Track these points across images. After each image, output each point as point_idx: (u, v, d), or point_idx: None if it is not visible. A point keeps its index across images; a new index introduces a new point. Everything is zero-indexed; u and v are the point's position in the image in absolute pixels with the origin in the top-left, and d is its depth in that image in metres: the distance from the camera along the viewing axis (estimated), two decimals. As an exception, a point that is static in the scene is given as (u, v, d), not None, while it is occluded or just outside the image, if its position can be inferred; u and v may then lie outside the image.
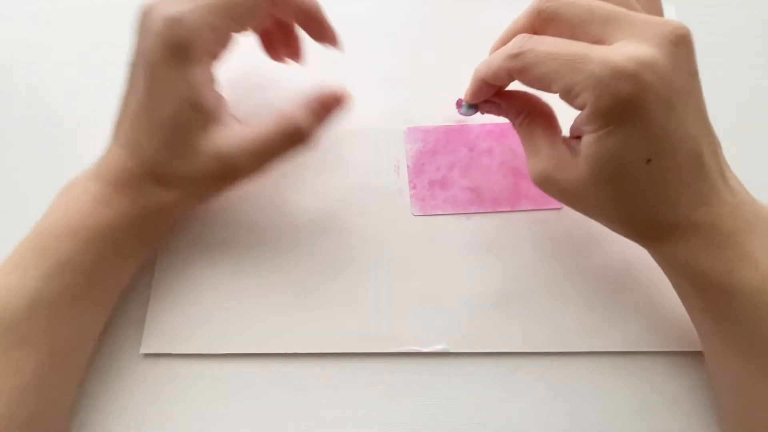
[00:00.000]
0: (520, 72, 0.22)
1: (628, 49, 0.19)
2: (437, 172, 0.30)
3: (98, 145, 0.31)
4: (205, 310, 0.27)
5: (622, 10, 0.21)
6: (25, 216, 0.29)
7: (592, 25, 0.21)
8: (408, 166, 0.31)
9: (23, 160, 0.31)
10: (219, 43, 0.24)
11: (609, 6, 0.21)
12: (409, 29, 0.36)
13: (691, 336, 0.25)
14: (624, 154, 0.20)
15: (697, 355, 0.25)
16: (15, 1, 0.36)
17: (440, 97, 0.31)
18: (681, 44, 0.20)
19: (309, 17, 0.26)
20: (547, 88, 0.21)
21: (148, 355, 0.26)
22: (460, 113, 0.26)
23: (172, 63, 0.22)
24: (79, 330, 0.24)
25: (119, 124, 0.25)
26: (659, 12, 0.23)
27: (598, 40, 0.21)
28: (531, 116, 0.24)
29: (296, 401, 0.26)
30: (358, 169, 0.31)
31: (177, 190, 0.25)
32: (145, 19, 0.23)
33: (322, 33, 0.27)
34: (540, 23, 0.22)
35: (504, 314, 0.27)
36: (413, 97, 0.30)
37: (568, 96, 0.21)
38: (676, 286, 0.24)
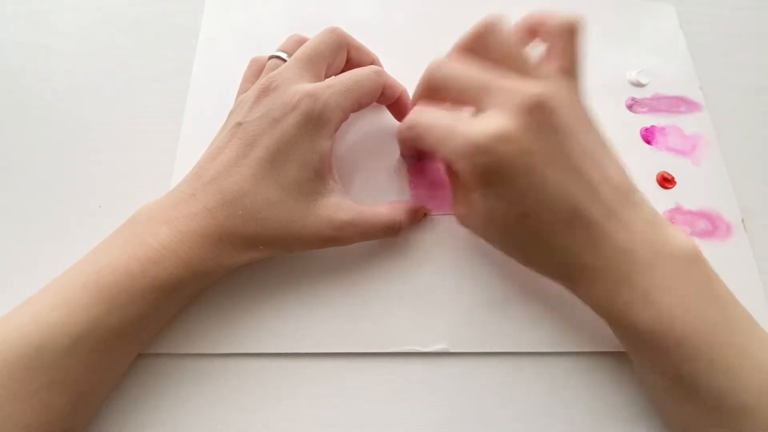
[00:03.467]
0: (416, 141, 0.25)
1: (486, 122, 0.22)
2: (437, 172, 0.30)
3: (98, 145, 0.32)
4: (205, 310, 0.27)
5: (492, 78, 0.23)
6: (25, 216, 0.29)
7: (470, 93, 0.23)
8: (408, 167, 0.31)
9: (23, 160, 0.31)
10: (342, 121, 0.26)
11: (485, 75, 0.23)
12: (410, 29, 0.36)
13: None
14: (499, 212, 0.23)
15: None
16: (15, 1, 0.36)
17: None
18: (534, 111, 0.21)
19: (401, 103, 0.30)
20: (437, 154, 0.25)
21: (148, 355, 0.26)
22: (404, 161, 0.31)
23: (306, 132, 0.25)
24: (113, 370, 0.24)
25: (209, 183, 0.24)
26: (565, 53, 0.24)
27: (476, 107, 0.23)
28: (446, 170, 0.27)
29: (296, 401, 0.26)
30: (358, 170, 0.31)
31: (271, 248, 0.25)
32: (275, 90, 0.25)
33: (403, 115, 0.30)
34: (431, 90, 0.25)
35: (504, 314, 0.27)
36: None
37: (449, 163, 0.24)
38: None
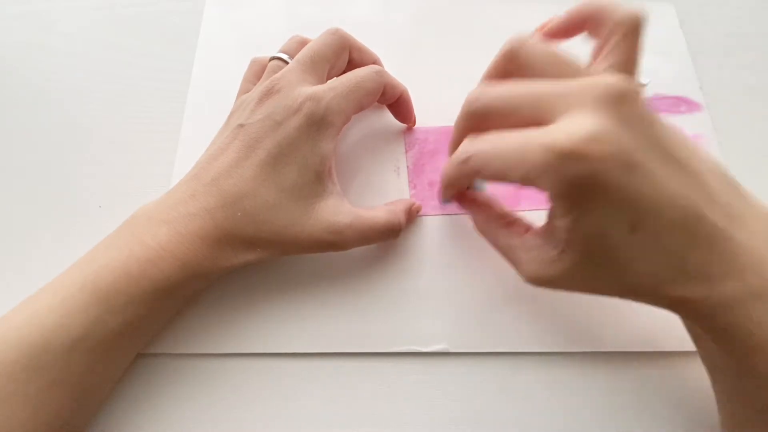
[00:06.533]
0: (475, 175, 0.21)
1: (567, 127, 0.18)
2: (437, 173, 0.30)
3: (98, 145, 0.31)
4: (205, 310, 0.27)
5: (548, 85, 0.20)
6: (25, 216, 0.29)
7: (524, 110, 0.20)
8: (408, 167, 0.31)
9: (23, 160, 0.31)
10: (344, 123, 0.26)
11: (533, 86, 0.20)
12: (409, 29, 0.36)
13: (688, 336, 0.25)
14: (603, 233, 0.19)
15: (694, 355, 0.25)
16: (15, 1, 0.36)
17: (440, 97, 0.31)
18: (621, 100, 0.18)
19: (402, 102, 0.29)
20: (506, 182, 0.20)
21: (148, 355, 0.26)
22: (440, 202, 0.30)
23: (309, 135, 0.24)
24: (112, 371, 0.24)
25: (209, 184, 0.24)
26: (623, 55, 0.22)
27: (539, 122, 0.19)
28: (490, 220, 0.25)
29: (296, 401, 0.26)
30: (358, 170, 0.31)
31: (269, 250, 0.25)
32: (278, 92, 0.25)
33: (407, 116, 0.31)
34: (476, 123, 0.22)
35: (504, 314, 0.27)
36: (413, 98, 0.30)
37: (529, 185, 0.19)
38: (717, 358, 0.21)
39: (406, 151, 0.31)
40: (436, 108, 0.31)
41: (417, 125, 0.32)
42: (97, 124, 0.32)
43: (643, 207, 0.18)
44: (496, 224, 0.25)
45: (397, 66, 0.30)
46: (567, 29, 0.25)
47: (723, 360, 0.21)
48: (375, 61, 0.30)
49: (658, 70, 0.35)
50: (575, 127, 0.18)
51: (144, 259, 0.22)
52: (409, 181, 0.30)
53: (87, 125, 0.32)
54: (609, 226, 0.18)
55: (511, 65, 0.22)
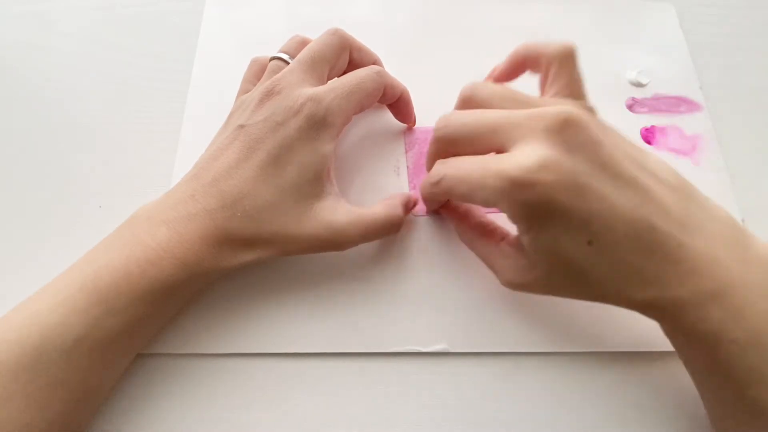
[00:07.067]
0: (447, 195, 0.24)
1: (518, 156, 0.20)
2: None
3: (98, 145, 0.31)
4: (205, 310, 0.27)
5: (505, 114, 0.21)
6: (25, 216, 0.29)
7: (485, 138, 0.22)
8: (408, 167, 0.31)
9: (23, 160, 0.31)
10: (345, 124, 0.26)
11: (494, 115, 0.22)
12: (410, 29, 0.36)
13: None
14: (562, 247, 0.20)
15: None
16: (15, 1, 0.36)
17: (440, 97, 0.31)
18: (565, 129, 0.20)
19: (402, 102, 0.30)
20: (472, 203, 0.23)
21: (148, 355, 0.26)
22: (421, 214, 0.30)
23: (309, 136, 0.25)
24: (112, 371, 0.24)
25: (209, 184, 0.24)
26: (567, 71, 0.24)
27: (498, 149, 0.21)
28: (469, 229, 0.27)
29: (296, 401, 0.26)
30: (358, 170, 0.31)
31: (268, 250, 0.24)
32: (278, 93, 0.25)
33: (407, 116, 0.31)
34: (444, 147, 0.24)
35: (504, 314, 0.27)
36: (413, 98, 0.30)
37: (490, 207, 0.22)
38: (691, 358, 0.22)
39: (406, 151, 0.31)
40: (436, 108, 0.31)
41: (417, 125, 0.32)
42: (97, 124, 0.32)
43: (595, 223, 0.20)
44: (475, 233, 0.27)
45: (398, 66, 0.30)
46: (510, 72, 0.26)
47: (693, 358, 0.22)
48: (375, 62, 0.30)
49: (658, 70, 0.35)
50: (524, 156, 0.20)
51: (144, 259, 0.22)
52: (409, 181, 0.30)
53: (87, 125, 0.32)
54: (565, 242, 0.20)
55: (469, 107, 0.23)
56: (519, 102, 0.22)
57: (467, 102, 0.24)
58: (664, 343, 0.26)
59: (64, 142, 0.32)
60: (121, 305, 0.22)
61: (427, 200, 0.28)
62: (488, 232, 0.26)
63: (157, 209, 0.24)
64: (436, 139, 0.24)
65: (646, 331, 0.26)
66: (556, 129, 0.20)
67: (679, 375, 0.26)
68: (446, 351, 0.26)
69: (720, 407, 0.22)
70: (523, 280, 0.23)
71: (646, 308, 0.22)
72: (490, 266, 0.26)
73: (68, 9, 0.36)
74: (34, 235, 0.29)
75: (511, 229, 0.24)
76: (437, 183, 0.23)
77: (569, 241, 0.20)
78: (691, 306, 0.20)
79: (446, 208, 0.28)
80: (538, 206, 0.20)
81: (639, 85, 0.34)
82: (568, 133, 0.20)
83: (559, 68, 0.23)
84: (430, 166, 0.25)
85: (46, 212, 0.30)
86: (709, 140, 0.33)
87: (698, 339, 0.21)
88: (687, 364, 0.23)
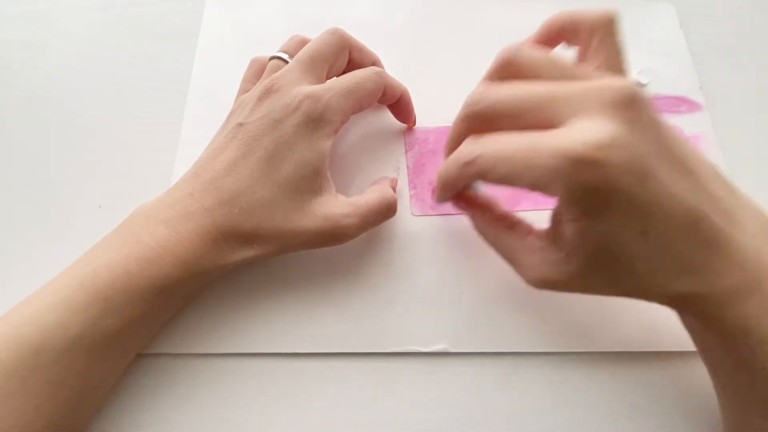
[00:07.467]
0: (478, 177, 0.21)
1: (579, 132, 0.18)
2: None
3: (98, 145, 0.31)
4: (205, 310, 0.27)
5: (554, 85, 0.19)
6: (25, 216, 0.29)
7: (530, 113, 0.19)
8: (408, 167, 0.31)
9: (23, 160, 0.31)
10: (343, 122, 0.26)
11: (541, 87, 0.19)
12: (410, 29, 0.36)
13: (688, 336, 0.25)
14: (613, 239, 0.19)
15: (694, 355, 0.25)
16: (15, 1, 0.36)
17: (440, 97, 0.31)
18: (630, 106, 0.18)
19: (402, 102, 0.30)
20: (511, 186, 0.19)
21: (148, 355, 0.26)
22: (435, 202, 0.29)
23: (306, 132, 0.25)
24: (112, 370, 0.24)
25: (208, 183, 0.24)
26: (610, 53, 0.22)
27: (545, 126, 0.19)
28: (490, 223, 0.24)
29: (296, 401, 0.26)
30: (358, 170, 0.31)
31: (267, 246, 0.24)
32: (277, 91, 0.25)
33: (407, 116, 0.31)
34: (479, 124, 0.21)
35: (504, 314, 0.27)
36: (413, 98, 0.30)
37: (537, 191, 0.19)
38: (719, 354, 0.21)
39: (406, 151, 0.31)
40: (436, 108, 0.31)
41: (417, 125, 0.32)
42: (97, 124, 0.32)
43: (653, 213, 0.18)
44: (497, 226, 0.24)
45: (397, 66, 0.30)
46: (544, 44, 0.25)
47: (721, 355, 0.21)
48: (375, 61, 0.30)
49: (658, 70, 0.35)
50: (589, 132, 0.17)
51: (143, 258, 0.22)
52: (409, 181, 0.30)
53: (87, 125, 0.32)
54: (619, 232, 0.18)
55: (507, 72, 0.21)
56: (569, 72, 0.20)
57: (506, 67, 0.21)
58: (665, 343, 0.27)
59: (64, 142, 0.32)
60: (120, 304, 0.22)
61: (447, 185, 0.23)
62: (513, 224, 0.24)
63: (156, 208, 0.24)
64: (468, 116, 0.21)
65: (647, 331, 0.27)
66: (622, 105, 0.18)
67: (679, 375, 0.26)
68: (446, 351, 0.26)
69: (740, 404, 0.22)
70: (555, 276, 0.21)
71: (682, 301, 0.20)
72: (514, 263, 0.23)
73: (68, 9, 0.36)
74: (34, 234, 0.29)
75: (535, 222, 0.23)
76: (470, 163, 0.20)
77: (624, 231, 0.18)
78: (730, 300, 0.19)
79: (462, 198, 0.25)
80: (598, 190, 0.17)
81: (639, 85, 0.34)
82: (633, 111, 0.18)
83: (602, 39, 0.21)
84: (451, 149, 0.23)
85: (46, 212, 0.30)
86: (709, 140, 0.33)
87: (731, 334, 0.19)
88: (712, 360, 0.22)
